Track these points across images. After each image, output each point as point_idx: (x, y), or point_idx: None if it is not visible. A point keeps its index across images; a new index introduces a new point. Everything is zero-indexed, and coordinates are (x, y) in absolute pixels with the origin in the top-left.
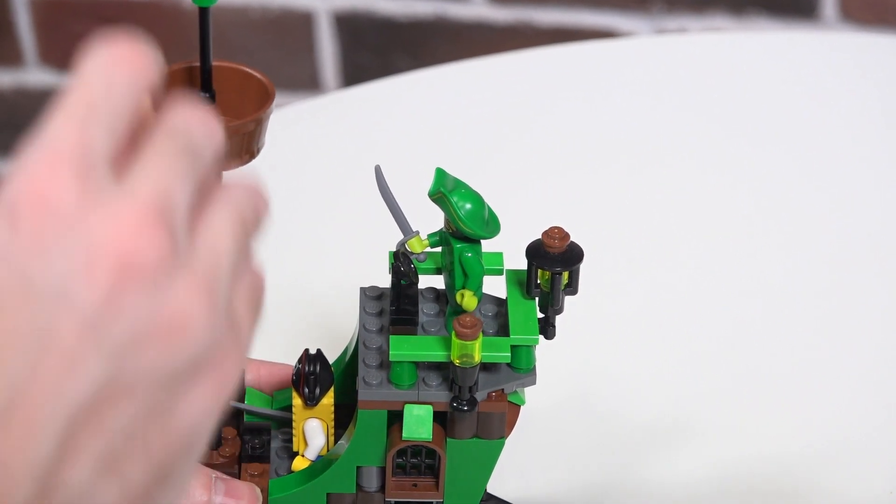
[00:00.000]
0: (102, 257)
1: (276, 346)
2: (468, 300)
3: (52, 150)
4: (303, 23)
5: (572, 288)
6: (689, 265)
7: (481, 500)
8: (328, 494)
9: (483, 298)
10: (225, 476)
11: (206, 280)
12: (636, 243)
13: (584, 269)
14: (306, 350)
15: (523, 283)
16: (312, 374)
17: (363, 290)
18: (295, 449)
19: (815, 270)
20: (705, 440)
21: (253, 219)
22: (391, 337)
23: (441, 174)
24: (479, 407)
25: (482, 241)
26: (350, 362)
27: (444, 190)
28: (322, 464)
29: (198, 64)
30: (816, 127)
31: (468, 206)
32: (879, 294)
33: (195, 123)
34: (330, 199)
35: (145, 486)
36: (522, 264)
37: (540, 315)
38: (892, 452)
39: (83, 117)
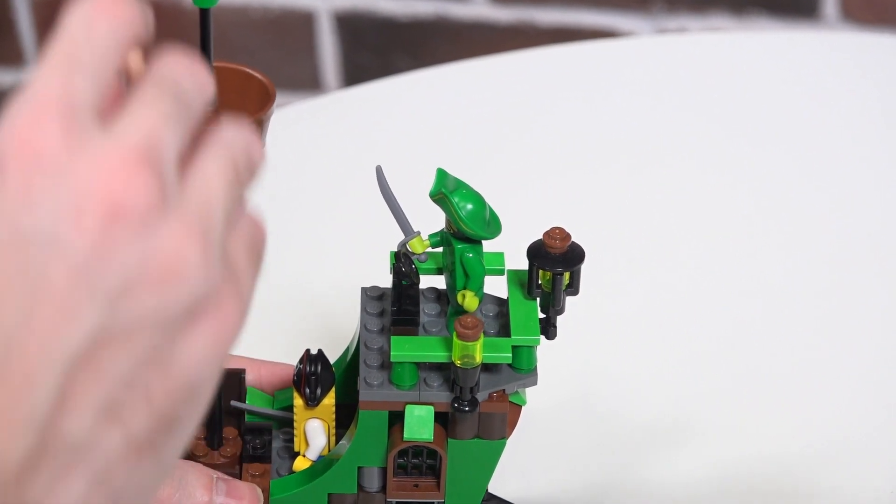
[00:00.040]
0: (90, 203)
1: (277, 346)
2: (469, 301)
3: (35, 101)
4: (303, 23)
5: (573, 288)
6: (690, 265)
7: (482, 501)
8: (329, 495)
9: (484, 299)
10: (226, 476)
11: (199, 224)
12: (637, 243)
13: (585, 269)
14: (307, 350)
15: (524, 283)
16: (313, 374)
17: (364, 290)
18: (296, 449)
19: (815, 270)
20: (706, 440)
21: (246, 165)
22: (392, 338)
23: (442, 175)
24: (481, 407)
25: (483, 242)
26: (351, 363)
27: (446, 190)
28: (323, 464)
29: None
30: (817, 127)
31: (469, 206)
32: (879, 294)
33: (182, 71)
34: (331, 199)
35: (149, 435)
36: (523, 264)
37: (541, 315)
38: (893, 452)
39: (66, 68)
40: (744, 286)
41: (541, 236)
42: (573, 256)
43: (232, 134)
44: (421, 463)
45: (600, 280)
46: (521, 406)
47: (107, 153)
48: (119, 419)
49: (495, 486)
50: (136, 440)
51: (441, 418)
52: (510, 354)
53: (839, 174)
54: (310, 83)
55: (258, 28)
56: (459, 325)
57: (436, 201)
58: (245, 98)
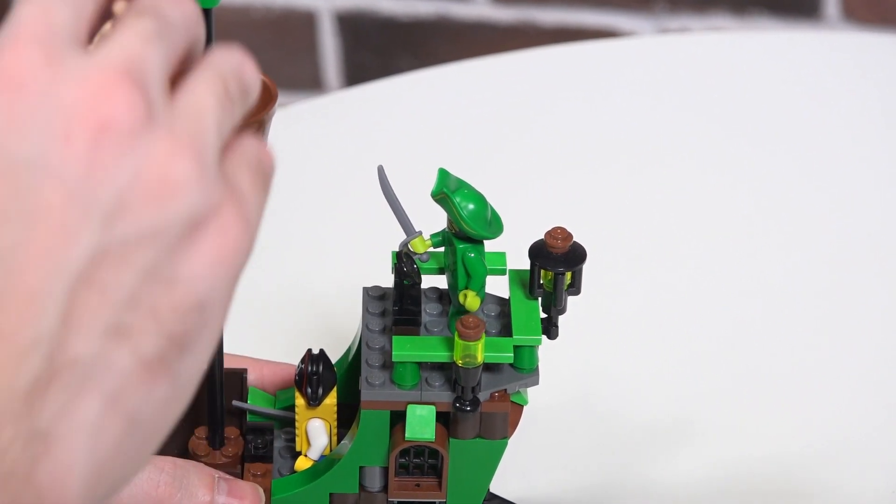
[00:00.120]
0: (77, 123)
1: (279, 346)
2: (471, 300)
3: (16, 31)
4: (305, 23)
5: (575, 288)
6: (690, 265)
7: (484, 500)
8: (331, 494)
9: (486, 298)
10: (228, 476)
11: (190, 139)
12: (638, 243)
13: (586, 269)
14: (309, 350)
15: (526, 283)
16: (315, 374)
17: (366, 290)
18: (298, 449)
19: (815, 270)
20: (706, 440)
21: (236, 84)
22: (394, 337)
23: (444, 174)
24: (482, 407)
25: (485, 241)
26: (353, 362)
27: (447, 190)
28: (325, 464)
29: None
30: (818, 127)
31: (471, 206)
32: (879, 294)
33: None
34: (332, 199)
35: (160, 354)
36: (525, 264)
37: (543, 315)
38: (893, 452)
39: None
40: (744, 286)
41: (542, 236)
42: (575, 256)
43: (220, 56)
44: (423, 463)
45: (601, 280)
46: (522, 406)
47: (89, 74)
48: (127, 338)
49: (496, 486)
50: (146, 359)
51: (443, 418)
52: (512, 354)
53: (839, 174)
54: (311, 83)
55: (259, 28)
56: (461, 325)
57: (437, 201)
58: None
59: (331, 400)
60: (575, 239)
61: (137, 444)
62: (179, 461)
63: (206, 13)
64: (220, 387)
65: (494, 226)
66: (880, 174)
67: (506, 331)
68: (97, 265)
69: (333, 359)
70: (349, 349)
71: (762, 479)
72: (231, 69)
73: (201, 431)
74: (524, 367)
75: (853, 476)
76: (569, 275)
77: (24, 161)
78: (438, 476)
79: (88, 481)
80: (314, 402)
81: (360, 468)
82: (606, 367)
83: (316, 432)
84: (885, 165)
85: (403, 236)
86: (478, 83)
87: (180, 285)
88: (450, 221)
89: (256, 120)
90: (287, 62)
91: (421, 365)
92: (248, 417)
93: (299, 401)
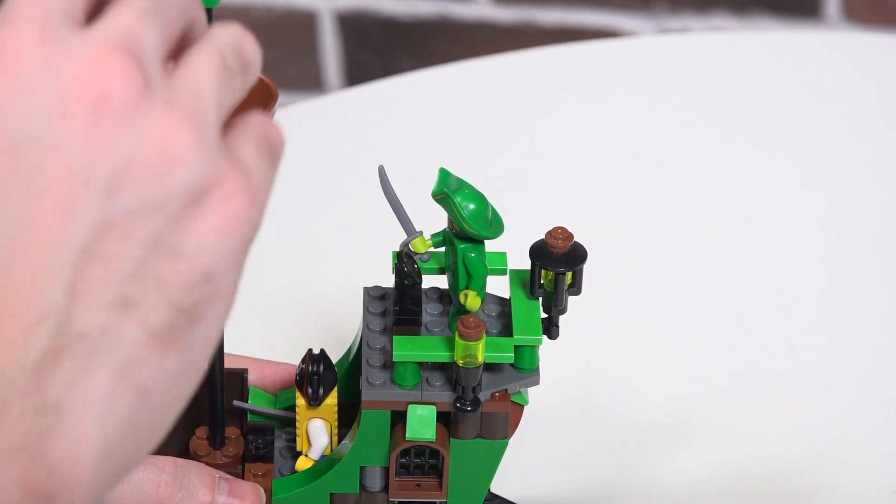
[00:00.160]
0: (74, 98)
1: (280, 346)
2: (472, 300)
3: (11, 13)
4: (305, 23)
5: (576, 288)
6: (690, 265)
7: (485, 500)
8: (331, 494)
9: (486, 298)
10: (228, 476)
11: (189, 111)
12: (638, 243)
13: (587, 269)
14: (310, 350)
15: (527, 282)
16: (316, 374)
17: (366, 290)
18: (298, 449)
19: (815, 270)
20: (707, 440)
21: (234, 57)
22: (394, 337)
23: (444, 174)
24: (483, 407)
25: (486, 241)
26: (353, 362)
27: (448, 190)
28: (325, 464)
29: None
30: (819, 127)
31: (471, 206)
32: (879, 294)
33: None
34: (333, 199)
35: (170, 326)
36: (526, 264)
37: (543, 315)
38: (893, 452)
39: None
40: (744, 286)
41: (543, 236)
42: (575, 256)
43: (218, 31)
44: (423, 462)
45: (602, 280)
46: (523, 406)
47: (85, 50)
48: (134, 310)
49: (497, 486)
50: (155, 330)
51: (443, 418)
52: (512, 354)
53: (839, 174)
54: (312, 83)
55: (260, 28)
56: (462, 325)
57: (438, 201)
58: (248, 98)
59: (331, 400)
60: (575, 239)
61: (151, 418)
62: (180, 461)
63: (208, 13)
64: (221, 387)
65: (495, 226)
66: (880, 174)
67: (506, 331)
68: (101, 238)
69: (334, 359)
70: (350, 349)
71: (762, 479)
72: (229, 43)
73: (202, 431)
74: (525, 367)
75: (853, 476)
76: (569, 275)
77: (24, 139)
78: (439, 476)
79: (101, 455)
80: (315, 402)
81: (361, 468)
82: (607, 367)
83: (317, 432)
84: (885, 165)
85: (404, 236)
86: (478, 83)
87: (186, 256)
88: (450, 221)
89: None
90: (288, 62)
91: (421, 365)
92: (249, 417)
93: (300, 401)
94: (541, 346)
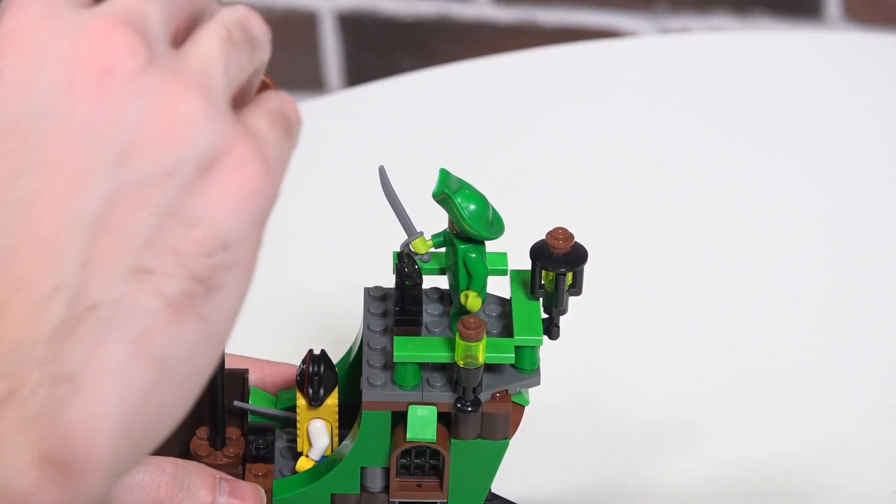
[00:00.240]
0: (79, 71)
1: (280, 347)
2: (472, 301)
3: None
4: (306, 23)
5: (576, 288)
6: (690, 265)
7: (485, 500)
8: (332, 495)
9: (487, 299)
10: (229, 477)
11: (196, 80)
12: (639, 243)
13: (587, 269)
14: (310, 350)
15: (527, 283)
16: (316, 374)
17: (367, 290)
18: (299, 449)
19: (815, 270)
20: (707, 440)
21: (240, 30)
22: (395, 338)
23: (445, 175)
24: (483, 408)
25: (486, 242)
26: (354, 363)
27: (448, 191)
28: (326, 464)
29: None
30: (818, 127)
31: (472, 207)
32: (879, 294)
33: None
34: (333, 200)
35: (186, 295)
36: (526, 264)
37: (544, 316)
38: (893, 452)
39: None
40: (744, 286)
41: (543, 236)
42: (576, 257)
43: (224, 11)
44: (424, 463)
45: (602, 280)
46: (523, 406)
47: (89, 25)
48: (149, 278)
49: (497, 486)
50: (171, 300)
51: (444, 418)
52: (513, 355)
53: (839, 174)
54: (313, 83)
55: None
56: (462, 326)
57: (439, 202)
58: None
59: (332, 400)
60: (576, 239)
61: (171, 389)
62: (181, 462)
63: None
64: (222, 387)
65: (496, 226)
66: (880, 174)
67: (507, 331)
68: (113, 208)
69: (335, 359)
70: (350, 350)
71: (762, 479)
72: (235, 20)
73: (202, 432)
74: (525, 368)
75: (853, 476)
76: (570, 275)
77: (32, 114)
78: (440, 476)
79: (120, 425)
80: (315, 402)
81: (362, 469)
82: (607, 367)
83: (317, 433)
84: (885, 165)
85: (405, 237)
86: (479, 83)
87: (200, 224)
88: (451, 222)
89: None
90: (288, 62)
91: (422, 365)
92: (250, 418)
93: (301, 401)
94: (541, 347)
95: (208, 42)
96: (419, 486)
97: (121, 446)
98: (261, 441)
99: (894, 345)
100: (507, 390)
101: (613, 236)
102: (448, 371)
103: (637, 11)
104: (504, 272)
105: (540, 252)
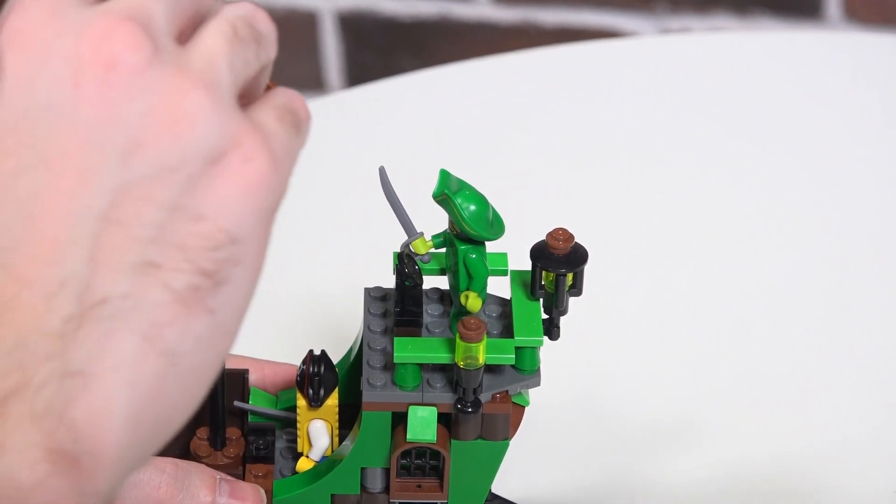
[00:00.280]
0: (84, 67)
1: (281, 347)
2: (472, 301)
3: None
4: (306, 23)
5: (577, 289)
6: (691, 265)
7: (485, 501)
8: (332, 495)
9: (487, 299)
10: (229, 477)
11: (201, 74)
12: (639, 243)
13: (588, 269)
14: (310, 351)
15: (528, 283)
16: (317, 374)
17: (367, 290)
18: (299, 450)
19: (815, 270)
20: (707, 440)
21: (246, 26)
22: (395, 339)
23: (445, 176)
24: (484, 408)
25: (486, 242)
26: (354, 363)
27: (449, 191)
28: (326, 465)
29: None
30: (819, 127)
31: (472, 207)
32: (879, 294)
33: None
34: (334, 200)
35: (195, 290)
36: (526, 265)
37: (544, 316)
38: (893, 452)
39: None
40: (744, 286)
41: (544, 237)
42: (576, 257)
43: (229, 8)
44: (424, 464)
45: (603, 280)
46: (524, 407)
47: (94, 21)
48: (156, 273)
49: (497, 486)
50: (179, 293)
51: (444, 419)
52: (513, 356)
53: (839, 174)
54: (313, 83)
55: None
56: (462, 327)
57: (439, 202)
58: None
59: (332, 401)
60: (576, 240)
61: (179, 383)
62: (181, 462)
63: None
64: (222, 387)
65: (496, 227)
66: (880, 174)
67: (507, 332)
68: (119, 204)
69: (335, 360)
70: (350, 350)
71: (762, 479)
72: (240, 16)
73: (203, 432)
74: (526, 369)
75: (853, 476)
76: (570, 276)
77: (37, 111)
78: (440, 477)
79: (128, 420)
80: (316, 402)
81: (362, 469)
82: (607, 367)
83: (317, 433)
84: (885, 165)
85: (405, 237)
86: (479, 83)
87: (207, 218)
88: (451, 222)
89: None
90: (289, 62)
91: (422, 366)
92: (250, 418)
93: (301, 402)
94: (542, 348)
95: (213, 38)
96: (419, 486)
97: (129, 440)
98: (261, 441)
99: (894, 345)
100: (507, 391)
101: (614, 236)
102: (448, 372)
103: (637, 11)
104: (504, 273)
105: (540, 253)
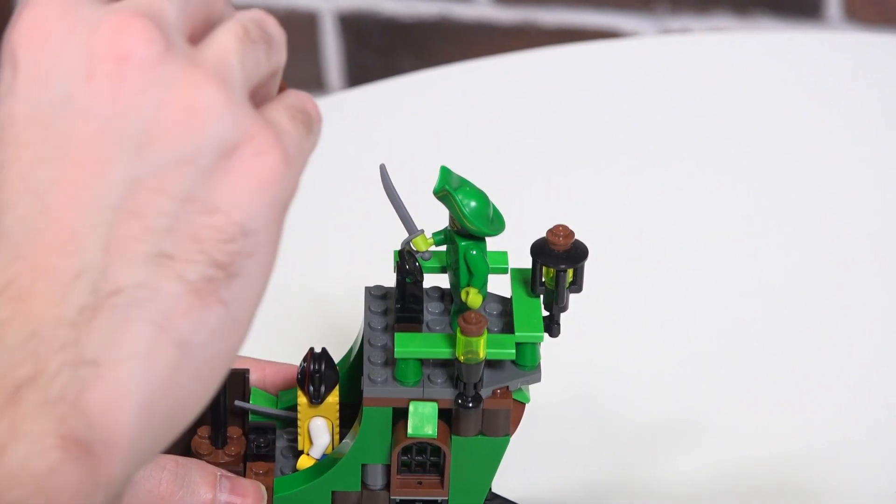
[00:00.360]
0: (98, 61)
1: (281, 346)
2: (473, 297)
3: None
4: (307, 23)
5: (577, 286)
6: (691, 265)
7: (486, 500)
8: (333, 493)
9: (488, 297)
10: (230, 474)
11: (214, 69)
12: (639, 243)
13: (588, 268)
14: (311, 348)
15: (528, 281)
16: (317, 372)
17: (368, 289)
18: (300, 448)
19: (815, 270)
20: (708, 439)
21: (256, 28)
22: (396, 334)
23: (445, 172)
24: (484, 404)
25: (487, 239)
26: (355, 362)
27: (449, 187)
28: (327, 462)
29: None
30: (818, 127)
31: (473, 203)
32: (879, 294)
33: None
34: (334, 199)
35: (209, 281)
36: (527, 265)
37: (545, 313)
38: (893, 452)
39: None
40: (744, 286)
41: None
42: (576, 253)
43: (240, 13)
44: (425, 460)
45: (603, 279)
46: (524, 403)
47: (106, 17)
48: (170, 264)
49: (498, 483)
50: (193, 284)
51: (445, 415)
52: (514, 350)
53: (839, 174)
54: (313, 83)
55: None
56: (463, 321)
57: (439, 198)
58: None
59: (333, 398)
60: (577, 237)
61: (193, 374)
62: (182, 459)
63: None
64: (223, 386)
65: (496, 223)
66: (880, 174)
67: (508, 329)
68: (134, 195)
69: (336, 359)
70: (350, 350)
71: (762, 478)
72: (251, 18)
73: (204, 431)
74: (526, 365)
75: (853, 476)
76: (570, 272)
77: (52, 104)
78: (440, 474)
79: (141, 409)
80: (317, 399)
81: (363, 466)
82: (608, 365)
83: (318, 431)
84: (885, 165)
85: (405, 235)
86: (480, 84)
87: (220, 210)
88: (452, 219)
89: None
90: (289, 63)
91: (423, 362)
92: (251, 417)
93: (302, 399)
94: (542, 344)
95: (225, 38)
96: (420, 483)
97: (142, 430)
98: (262, 440)
99: (894, 345)
100: (507, 387)
101: (614, 236)
102: (449, 368)
103: (638, 12)
104: (504, 270)
105: (541, 249)
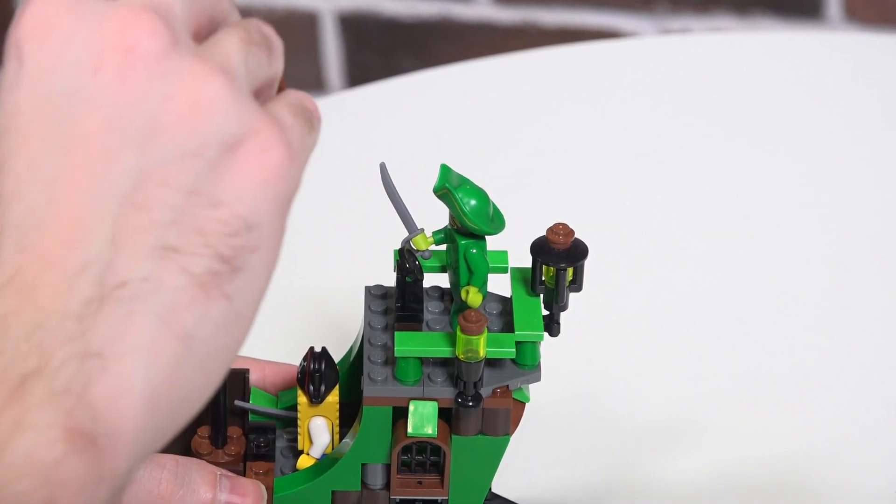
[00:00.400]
0: (105, 53)
1: (281, 346)
2: (473, 296)
3: None
4: (307, 23)
5: (577, 285)
6: (691, 265)
7: (485, 500)
8: (333, 492)
9: (488, 297)
10: (229, 473)
11: (219, 65)
12: (639, 243)
13: (588, 268)
14: (311, 348)
15: (528, 280)
16: (317, 371)
17: (368, 289)
18: (300, 447)
19: (815, 270)
20: (708, 439)
21: (258, 31)
22: (396, 333)
23: (446, 170)
24: (484, 403)
25: (487, 238)
26: (355, 362)
27: (449, 186)
28: (327, 461)
29: None
30: (818, 127)
31: (473, 201)
32: (879, 294)
33: None
34: (334, 199)
35: (213, 274)
36: (527, 264)
37: (545, 312)
38: (893, 452)
39: None
40: (744, 286)
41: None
42: (576, 252)
43: (245, 20)
44: (425, 460)
45: (603, 279)
46: (524, 403)
47: (111, 12)
48: (175, 256)
49: (498, 483)
50: (197, 278)
51: (445, 414)
52: (514, 349)
53: (839, 174)
54: (314, 84)
55: None
56: (463, 319)
57: (439, 197)
58: None
59: (333, 398)
60: (577, 237)
61: (196, 368)
62: (181, 458)
63: None
64: (223, 386)
65: (496, 221)
66: (880, 174)
67: (508, 328)
68: (140, 187)
69: (336, 358)
70: (350, 349)
71: (762, 478)
72: (253, 23)
73: (204, 431)
74: (526, 364)
75: (853, 476)
76: (570, 271)
77: (59, 96)
78: (440, 473)
79: (146, 401)
80: (317, 399)
81: (363, 465)
82: (608, 365)
83: (318, 430)
84: (885, 165)
85: (405, 234)
86: (480, 84)
87: (225, 204)
88: (452, 218)
89: None
90: (289, 63)
91: (423, 361)
92: (251, 417)
93: (302, 399)
94: (542, 344)
95: (228, 38)
96: (420, 482)
97: (146, 422)
98: (262, 439)
99: (894, 345)
100: (507, 386)
101: (614, 236)
102: (449, 367)
103: (638, 12)
104: (504, 269)
105: (540, 248)
